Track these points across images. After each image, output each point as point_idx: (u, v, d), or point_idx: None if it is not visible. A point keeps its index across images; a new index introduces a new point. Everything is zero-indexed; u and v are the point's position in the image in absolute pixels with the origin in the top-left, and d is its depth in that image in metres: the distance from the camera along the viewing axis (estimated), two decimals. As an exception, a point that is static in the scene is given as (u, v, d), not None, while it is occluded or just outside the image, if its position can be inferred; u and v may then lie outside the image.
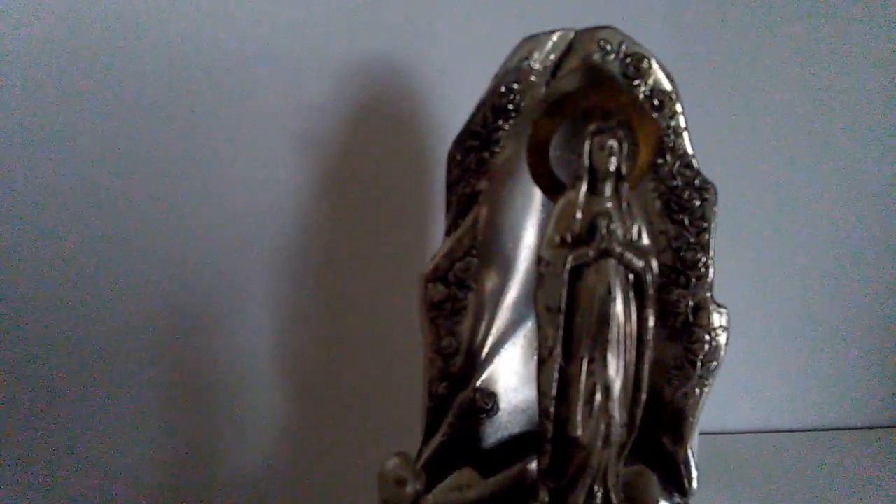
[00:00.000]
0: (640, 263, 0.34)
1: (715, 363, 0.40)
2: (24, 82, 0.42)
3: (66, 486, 0.43)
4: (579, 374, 0.34)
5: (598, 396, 0.34)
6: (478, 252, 0.40)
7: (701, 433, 0.79)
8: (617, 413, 0.34)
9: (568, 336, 0.34)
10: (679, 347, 0.40)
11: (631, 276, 0.34)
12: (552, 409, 0.35)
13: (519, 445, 0.42)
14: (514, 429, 0.43)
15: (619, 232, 0.34)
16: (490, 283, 0.41)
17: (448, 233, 0.39)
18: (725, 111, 0.81)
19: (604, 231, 0.34)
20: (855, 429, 0.93)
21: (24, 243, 0.43)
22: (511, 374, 0.42)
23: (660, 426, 0.42)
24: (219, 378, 0.47)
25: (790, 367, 0.92)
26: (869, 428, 0.93)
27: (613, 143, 0.33)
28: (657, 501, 0.40)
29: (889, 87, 0.84)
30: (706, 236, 0.39)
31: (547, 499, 0.36)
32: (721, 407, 0.87)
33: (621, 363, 0.34)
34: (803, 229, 0.89)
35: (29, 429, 0.43)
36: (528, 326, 0.42)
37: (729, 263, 0.84)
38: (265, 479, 0.47)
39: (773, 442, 0.89)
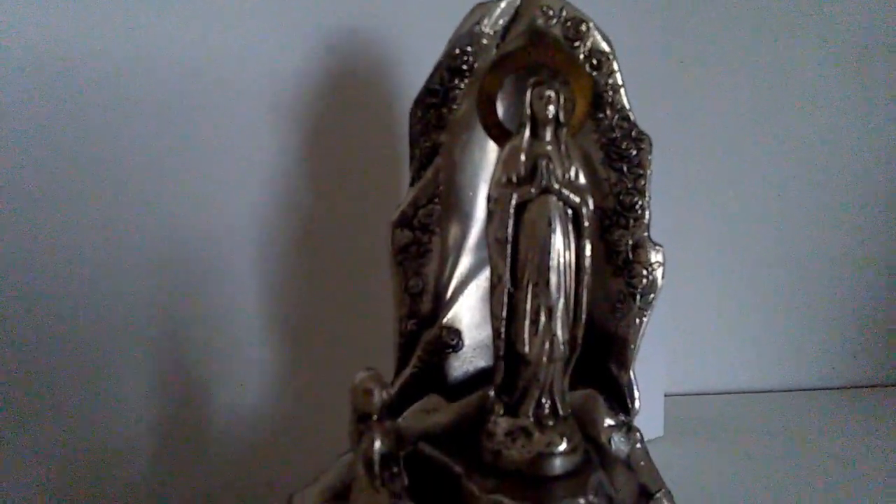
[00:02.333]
0: (576, 199, 0.38)
1: (652, 295, 0.44)
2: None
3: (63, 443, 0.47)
4: (525, 298, 0.39)
5: (543, 317, 0.39)
6: (440, 199, 0.43)
7: (669, 395, 0.84)
8: (559, 331, 0.39)
9: (515, 264, 0.39)
10: (621, 282, 0.45)
11: (569, 211, 0.39)
12: (503, 330, 0.39)
13: (481, 377, 0.46)
14: (478, 362, 0.47)
15: (559, 172, 0.38)
16: (452, 228, 0.45)
17: (412, 183, 0.43)
18: (703, 91, 0.85)
19: (544, 171, 0.38)
20: (818, 389, 0.97)
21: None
22: (474, 312, 0.46)
23: (606, 354, 0.46)
24: (212, 329, 0.51)
25: (756, 331, 0.97)
26: (832, 389, 0.97)
27: (551, 93, 0.38)
28: (605, 419, 0.45)
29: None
30: (642, 182, 0.44)
31: (502, 411, 0.41)
32: (690, 369, 0.92)
33: (562, 287, 0.39)
34: (769, 201, 0.94)
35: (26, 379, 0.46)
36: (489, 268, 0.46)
37: (700, 234, 0.89)
38: (259, 416, 0.52)
39: (740, 402, 0.93)
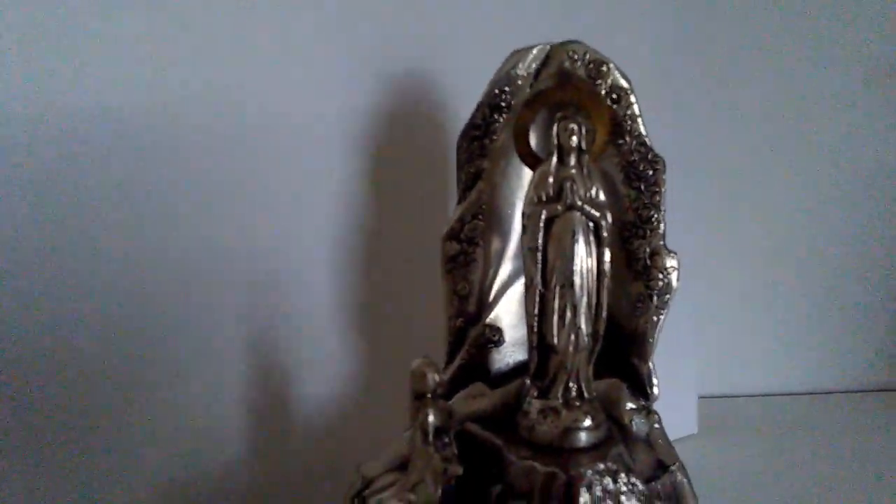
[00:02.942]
0: (596, 214, 0.45)
1: (668, 295, 0.50)
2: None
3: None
4: (554, 298, 0.45)
5: (569, 314, 0.45)
6: (483, 217, 0.50)
7: (703, 396, 0.89)
8: (584, 326, 0.46)
9: (545, 270, 0.46)
10: (640, 285, 0.51)
11: (591, 224, 0.46)
12: (535, 325, 0.47)
13: (519, 369, 0.52)
14: (517, 356, 0.53)
15: (581, 192, 0.45)
16: (494, 240, 0.51)
17: (459, 202, 0.50)
18: (719, 106, 0.91)
19: (569, 192, 0.45)
20: (850, 392, 1.00)
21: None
22: (513, 313, 0.52)
23: (629, 349, 0.52)
24: (295, 330, 0.59)
25: (787, 335, 1.00)
26: (863, 392, 1.00)
27: (574, 125, 0.45)
28: (627, 403, 0.51)
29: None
30: (657, 198, 0.50)
31: (536, 394, 0.48)
32: (723, 372, 0.97)
33: (585, 288, 0.45)
34: (800, 207, 0.98)
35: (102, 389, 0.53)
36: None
37: (732, 240, 0.94)
38: (336, 403, 0.60)
39: (772, 404, 0.97)
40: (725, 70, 0.94)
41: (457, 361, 0.52)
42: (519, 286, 0.52)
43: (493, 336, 0.53)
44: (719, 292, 0.98)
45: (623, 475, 0.43)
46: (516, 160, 0.50)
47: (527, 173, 0.50)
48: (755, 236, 0.99)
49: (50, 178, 0.50)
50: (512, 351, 0.53)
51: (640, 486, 0.44)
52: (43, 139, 0.50)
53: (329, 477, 0.57)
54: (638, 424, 0.50)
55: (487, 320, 0.53)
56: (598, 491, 0.42)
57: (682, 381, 0.87)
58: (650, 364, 0.51)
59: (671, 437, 0.51)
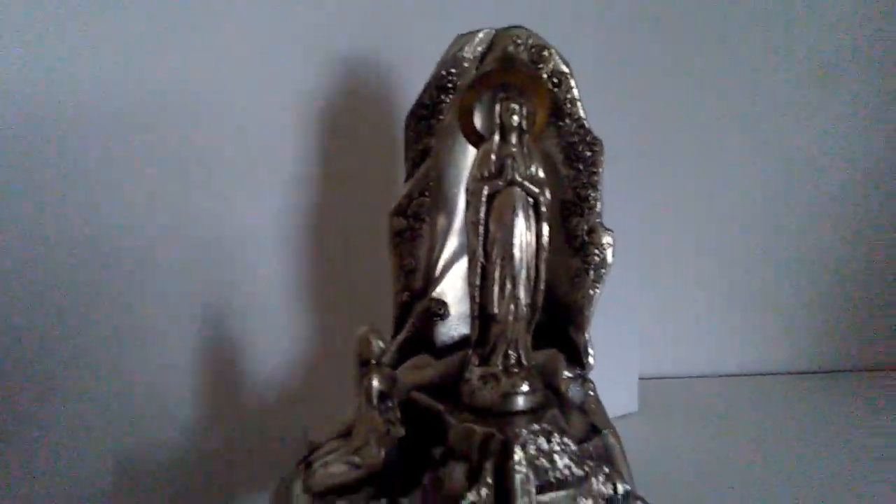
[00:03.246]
0: (535, 190, 0.48)
1: (604, 270, 0.53)
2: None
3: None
4: (495, 269, 0.48)
5: (508, 285, 0.48)
6: (430, 193, 0.52)
7: (643, 378, 0.93)
8: (522, 296, 0.48)
9: (486, 242, 0.48)
10: (578, 261, 0.53)
11: (530, 200, 0.48)
12: (477, 295, 0.49)
13: (464, 342, 0.54)
14: (461, 329, 0.55)
15: (521, 169, 0.48)
16: (440, 217, 0.53)
17: (406, 179, 0.52)
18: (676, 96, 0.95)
19: (510, 168, 0.47)
20: (783, 374, 1.05)
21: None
22: (458, 289, 0.55)
23: (567, 322, 0.55)
24: (247, 300, 0.61)
25: (725, 318, 1.05)
26: (799, 373, 1.05)
27: (515, 106, 0.47)
28: (564, 372, 0.54)
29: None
30: (595, 178, 0.52)
31: (477, 362, 0.50)
32: (663, 354, 1.01)
33: (524, 261, 0.48)
34: (740, 195, 1.02)
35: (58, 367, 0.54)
36: (470, 249, 0.55)
37: (674, 227, 0.98)
38: (286, 372, 0.61)
39: (710, 385, 1.01)
40: (675, 55, 0.98)
41: (403, 334, 0.54)
42: (464, 262, 0.54)
43: (439, 309, 0.55)
44: (660, 276, 1.01)
45: (556, 436, 0.46)
46: (462, 139, 0.52)
47: (472, 152, 0.52)
48: (696, 221, 1.03)
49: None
50: (457, 324, 0.56)
51: (573, 447, 0.46)
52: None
53: (278, 444, 0.58)
54: (574, 392, 0.53)
55: (433, 294, 0.55)
56: (532, 449, 0.44)
57: (624, 362, 0.91)
58: (586, 335, 0.54)
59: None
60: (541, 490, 0.44)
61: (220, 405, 0.59)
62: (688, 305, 1.04)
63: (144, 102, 0.55)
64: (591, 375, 0.54)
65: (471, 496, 0.43)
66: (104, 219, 0.55)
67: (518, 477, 0.43)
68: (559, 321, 0.55)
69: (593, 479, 0.46)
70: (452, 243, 0.55)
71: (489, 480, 0.43)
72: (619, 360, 0.89)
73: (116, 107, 0.54)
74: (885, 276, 1.06)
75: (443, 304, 0.55)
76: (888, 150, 1.03)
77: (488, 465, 0.44)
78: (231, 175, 0.60)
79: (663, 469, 0.73)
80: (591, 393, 0.53)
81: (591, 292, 0.53)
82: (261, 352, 0.61)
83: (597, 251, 0.53)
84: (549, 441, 0.46)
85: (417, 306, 0.55)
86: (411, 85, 0.52)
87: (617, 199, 0.75)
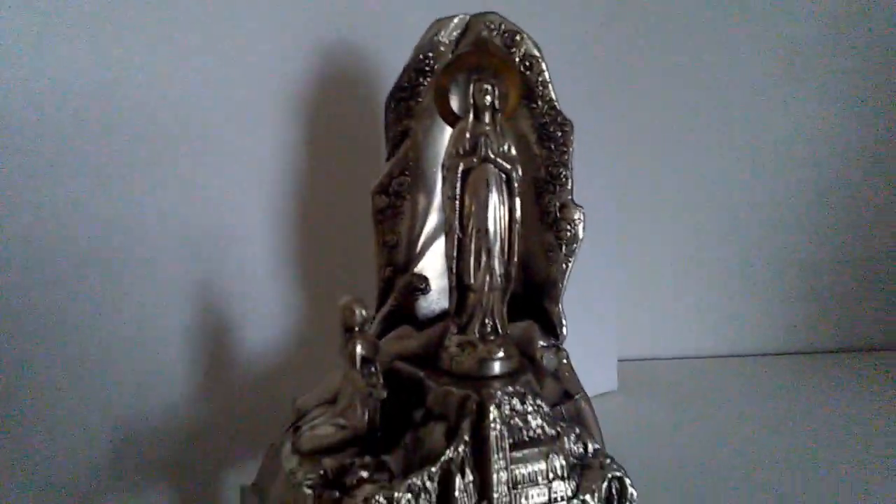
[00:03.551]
0: (508, 166, 0.50)
1: (575, 245, 0.56)
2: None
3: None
4: (471, 242, 0.50)
5: (484, 256, 0.50)
6: (410, 172, 0.55)
7: (622, 360, 0.95)
8: (497, 267, 0.50)
9: (462, 216, 0.50)
10: (551, 236, 0.56)
11: (503, 176, 0.51)
12: (454, 266, 0.52)
13: (443, 315, 0.56)
14: (442, 303, 0.57)
15: (495, 146, 0.50)
16: (420, 194, 0.56)
17: (387, 159, 0.54)
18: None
19: (483, 146, 0.50)
20: (759, 356, 1.08)
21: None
22: (439, 265, 0.56)
23: (542, 295, 0.58)
24: (231, 283, 0.63)
25: (702, 301, 1.08)
26: (773, 355, 1.09)
27: (488, 86, 0.50)
28: (539, 341, 0.57)
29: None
30: (566, 157, 0.55)
31: (455, 330, 0.53)
32: (641, 336, 1.04)
33: (498, 234, 0.50)
34: (719, 179, 1.05)
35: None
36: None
37: (651, 212, 1.01)
38: (277, 344, 0.64)
39: (689, 366, 1.05)
40: (650, 40, 1.01)
41: (386, 307, 0.57)
42: (443, 239, 0.56)
43: (420, 284, 0.58)
44: (637, 260, 1.05)
45: (530, 398, 0.49)
46: (440, 121, 0.55)
47: (449, 133, 0.54)
48: (675, 206, 1.06)
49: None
50: (437, 299, 0.58)
51: (546, 408, 0.49)
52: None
53: (268, 413, 0.61)
54: (548, 360, 0.55)
55: (415, 270, 0.57)
56: (506, 409, 0.47)
57: (603, 345, 0.94)
58: (560, 307, 0.57)
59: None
60: (514, 447, 0.47)
61: (213, 376, 0.62)
62: (665, 289, 1.07)
63: (133, 85, 0.57)
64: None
65: (449, 453, 0.45)
66: (104, 196, 0.57)
67: (493, 434, 0.46)
68: (534, 295, 0.58)
69: (565, 439, 0.49)
70: (432, 220, 0.57)
71: (466, 438, 0.46)
72: (597, 341, 0.92)
73: (102, 89, 0.56)
74: (861, 260, 1.09)
75: (424, 279, 0.58)
76: (863, 135, 1.06)
77: (465, 425, 0.47)
78: (220, 159, 0.62)
79: (640, 442, 0.77)
80: (565, 361, 0.56)
81: (564, 266, 0.56)
82: (251, 325, 0.64)
83: (568, 226, 0.55)
84: (522, 402, 0.48)
85: (399, 281, 0.57)
86: (390, 69, 0.54)
87: (595, 183, 0.79)
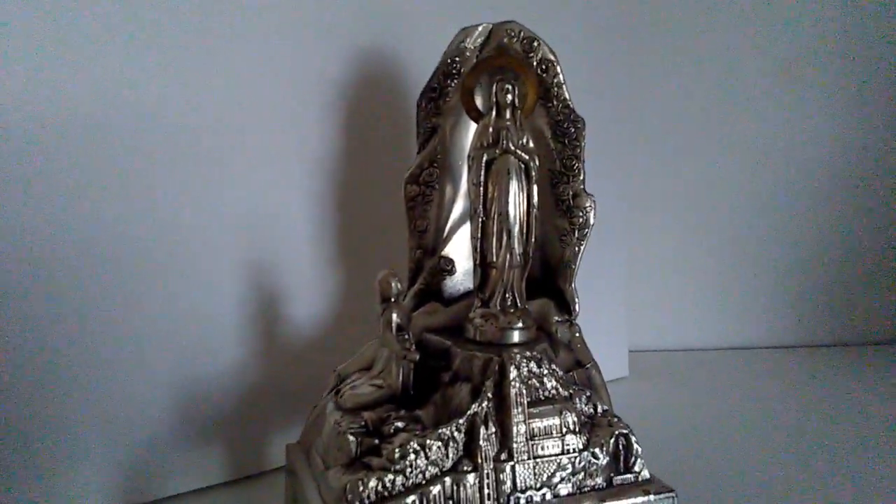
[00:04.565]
0: (526, 157, 0.57)
1: (587, 229, 0.61)
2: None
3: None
4: (493, 224, 0.57)
5: (505, 237, 0.57)
6: (438, 164, 0.61)
7: (633, 351, 1.01)
8: (517, 247, 0.57)
9: (485, 202, 0.57)
10: (565, 221, 0.61)
11: (522, 165, 0.57)
12: (479, 247, 0.58)
13: (468, 295, 0.62)
14: (467, 284, 0.63)
15: (514, 139, 0.56)
16: (447, 185, 0.62)
17: (418, 152, 0.61)
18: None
19: (504, 138, 0.57)
20: (767, 348, 1.13)
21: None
22: (463, 248, 0.62)
23: (556, 276, 0.63)
24: (277, 266, 0.70)
25: (709, 296, 1.13)
26: (779, 347, 1.13)
27: (509, 86, 0.57)
28: (554, 316, 0.63)
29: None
30: (578, 150, 0.61)
31: (479, 304, 0.59)
32: (650, 328, 1.09)
33: (517, 217, 0.56)
34: (726, 176, 1.10)
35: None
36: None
37: (661, 210, 1.06)
38: (319, 319, 0.71)
39: (697, 357, 1.10)
40: (655, 45, 1.07)
41: (417, 285, 0.63)
42: (469, 226, 0.62)
43: (447, 266, 0.64)
44: (648, 256, 1.10)
45: (546, 362, 0.55)
46: (465, 118, 0.61)
47: (473, 129, 0.60)
48: (684, 203, 1.11)
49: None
50: (462, 279, 0.64)
51: (559, 372, 0.55)
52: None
53: (310, 381, 0.67)
54: (562, 332, 0.61)
55: (442, 253, 0.64)
56: (525, 371, 0.53)
57: (615, 335, 1.00)
58: (573, 286, 0.62)
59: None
60: (532, 404, 0.53)
61: (262, 348, 0.69)
62: (674, 284, 1.12)
63: (187, 96, 0.64)
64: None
65: (474, 407, 0.52)
66: (176, 190, 0.64)
67: (513, 392, 0.52)
68: (550, 276, 0.64)
69: (577, 399, 0.55)
70: (458, 208, 0.63)
71: (489, 395, 0.52)
72: (609, 332, 0.98)
73: (156, 102, 0.63)
74: (866, 255, 1.13)
75: (450, 261, 0.63)
76: (867, 133, 1.10)
77: (489, 384, 0.53)
78: (270, 157, 0.69)
79: (650, 420, 0.81)
80: (577, 334, 0.61)
81: (577, 249, 0.62)
82: (296, 304, 0.70)
83: (580, 213, 0.61)
84: (539, 366, 0.54)
85: (428, 263, 0.63)
86: (421, 73, 0.61)
87: (608, 182, 0.85)
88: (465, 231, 0.63)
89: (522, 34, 0.60)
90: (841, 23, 1.06)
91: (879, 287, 1.13)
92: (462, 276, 0.64)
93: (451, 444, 0.50)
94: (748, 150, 1.09)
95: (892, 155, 1.10)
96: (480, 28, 0.60)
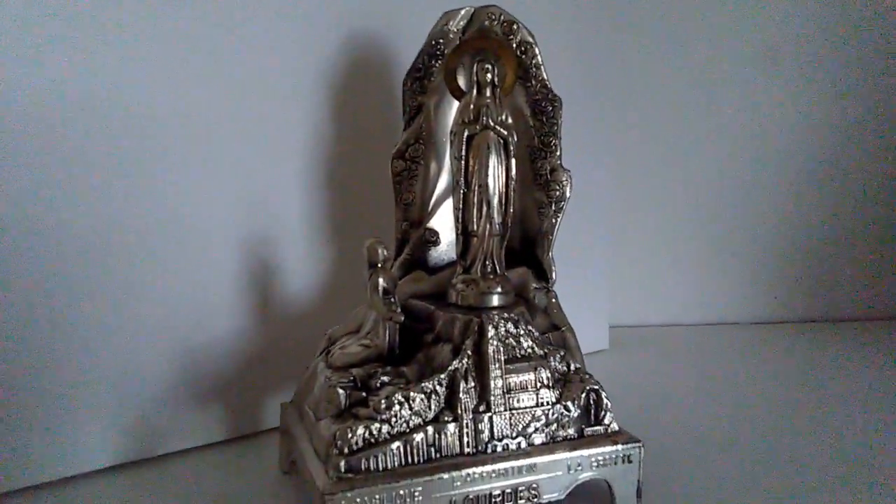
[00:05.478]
0: (505, 133, 0.60)
1: (563, 202, 0.65)
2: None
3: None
4: (473, 195, 0.60)
5: (485, 207, 0.60)
6: (423, 140, 0.64)
7: (613, 326, 1.04)
8: (496, 216, 0.60)
9: (466, 174, 0.61)
10: (543, 195, 0.65)
11: (501, 140, 0.61)
12: (460, 216, 0.62)
13: (451, 264, 0.66)
14: (451, 255, 0.66)
15: (494, 116, 0.60)
16: (431, 161, 0.65)
17: (405, 129, 0.65)
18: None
19: (484, 115, 0.60)
20: (750, 324, 1.17)
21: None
22: (447, 220, 0.66)
23: (535, 246, 0.67)
24: (270, 240, 0.74)
25: (691, 272, 1.17)
26: (757, 323, 1.18)
27: (489, 65, 0.60)
28: (532, 283, 0.67)
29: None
30: (555, 128, 0.64)
31: (461, 270, 0.63)
32: (631, 304, 1.13)
33: (496, 189, 0.60)
34: (708, 152, 1.13)
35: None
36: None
37: (642, 185, 1.10)
38: (314, 287, 0.75)
39: (677, 332, 1.14)
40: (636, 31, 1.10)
41: (403, 255, 0.67)
42: (452, 199, 0.67)
43: (432, 237, 0.67)
44: (628, 233, 1.14)
45: (523, 324, 0.59)
46: (448, 97, 0.65)
47: (457, 106, 0.64)
48: (667, 183, 1.15)
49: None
50: (446, 250, 0.68)
51: (535, 333, 0.59)
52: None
53: (302, 345, 0.71)
54: (539, 298, 0.65)
55: (427, 225, 0.68)
56: (502, 331, 0.57)
57: (596, 310, 1.04)
58: (550, 255, 0.66)
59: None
60: (508, 361, 0.57)
61: (258, 314, 0.73)
62: (654, 260, 1.16)
63: (192, 77, 0.68)
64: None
65: (455, 363, 0.56)
66: (176, 175, 0.68)
67: (491, 349, 0.56)
68: (529, 247, 0.68)
69: (551, 358, 0.59)
70: (442, 182, 0.67)
71: (469, 353, 0.56)
72: (590, 307, 1.02)
73: (155, 84, 0.66)
74: (844, 233, 1.17)
75: (435, 232, 0.67)
76: (847, 114, 1.14)
77: (469, 343, 0.57)
78: (260, 138, 0.72)
79: (629, 390, 0.85)
80: (554, 300, 0.66)
81: (554, 220, 0.65)
82: (290, 273, 0.74)
83: (557, 187, 0.65)
84: (516, 327, 0.58)
85: (414, 234, 0.67)
86: (406, 54, 0.64)
87: (588, 160, 0.88)
88: (450, 204, 0.66)
89: (503, 17, 0.63)
90: (822, 7, 1.10)
91: (854, 265, 1.17)
92: (446, 246, 0.68)
93: (433, 396, 0.55)
94: (729, 132, 1.12)
95: (867, 136, 1.14)
96: (463, 11, 0.64)
